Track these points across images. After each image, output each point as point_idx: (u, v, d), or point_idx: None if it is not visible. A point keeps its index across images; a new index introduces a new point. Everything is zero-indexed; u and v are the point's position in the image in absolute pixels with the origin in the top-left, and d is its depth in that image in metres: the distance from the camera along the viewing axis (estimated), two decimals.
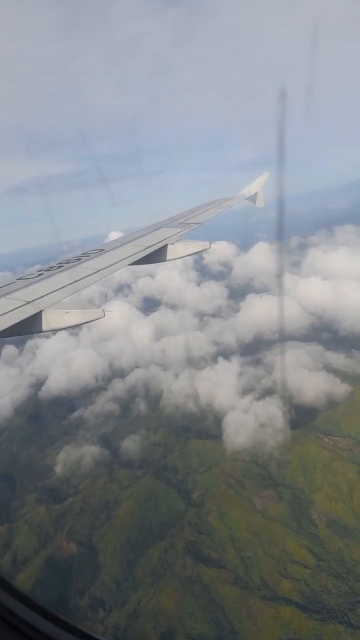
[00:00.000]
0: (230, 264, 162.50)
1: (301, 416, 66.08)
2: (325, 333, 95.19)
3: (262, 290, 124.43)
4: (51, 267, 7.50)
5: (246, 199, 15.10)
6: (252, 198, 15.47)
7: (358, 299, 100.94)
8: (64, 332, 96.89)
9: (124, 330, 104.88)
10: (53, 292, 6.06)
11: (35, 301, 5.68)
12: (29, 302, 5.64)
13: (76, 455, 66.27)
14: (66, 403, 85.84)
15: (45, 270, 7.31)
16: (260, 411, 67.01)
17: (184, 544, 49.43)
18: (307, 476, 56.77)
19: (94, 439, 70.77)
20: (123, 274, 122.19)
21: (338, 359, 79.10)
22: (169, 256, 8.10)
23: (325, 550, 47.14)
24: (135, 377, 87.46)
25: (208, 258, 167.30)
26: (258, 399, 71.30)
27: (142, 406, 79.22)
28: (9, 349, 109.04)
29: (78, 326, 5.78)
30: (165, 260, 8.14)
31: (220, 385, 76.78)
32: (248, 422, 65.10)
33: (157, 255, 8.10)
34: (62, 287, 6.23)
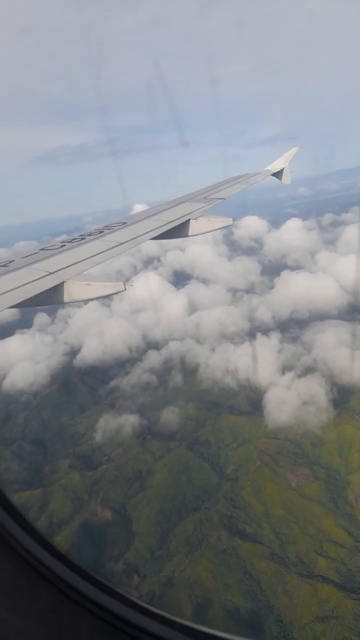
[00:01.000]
0: (261, 239, 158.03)
1: (337, 396, 64.74)
2: None
3: (296, 267, 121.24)
4: (73, 239, 7.58)
5: (272, 175, 14.50)
6: (279, 174, 14.76)
7: None
8: (95, 302, 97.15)
9: (155, 302, 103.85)
10: (75, 264, 6.07)
11: (57, 272, 5.71)
12: (51, 273, 5.67)
13: (114, 424, 66.45)
14: (99, 372, 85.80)
15: (67, 242, 7.38)
16: (302, 389, 65.65)
17: (219, 517, 49.23)
18: (344, 457, 55.80)
19: (132, 409, 70.64)
20: (152, 246, 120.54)
21: None
22: (191, 231, 8.00)
23: None
24: (170, 349, 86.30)
25: (238, 233, 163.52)
26: (299, 376, 69.90)
27: (177, 379, 78.50)
28: (42, 317, 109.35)
29: (100, 298, 6.03)
30: (187, 236, 8.08)
31: (259, 362, 75.41)
32: (290, 399, 63.93)
33: (179, 230, 8.00)
34: (84, 259, 6.24)
